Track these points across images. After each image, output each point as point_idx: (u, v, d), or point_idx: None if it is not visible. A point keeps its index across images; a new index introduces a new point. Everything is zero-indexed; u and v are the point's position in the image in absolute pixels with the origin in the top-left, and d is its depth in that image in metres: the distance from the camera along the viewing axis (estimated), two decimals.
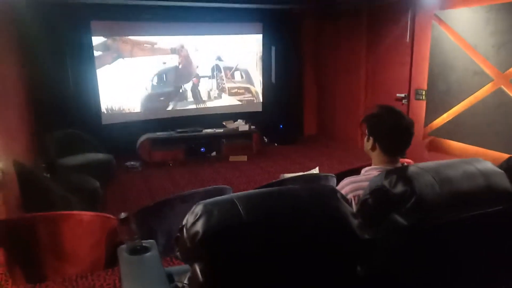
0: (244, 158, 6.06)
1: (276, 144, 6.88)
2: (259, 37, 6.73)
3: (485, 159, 1.59)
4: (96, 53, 5.66)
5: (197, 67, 6.42)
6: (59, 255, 2.64)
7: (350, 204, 1.56)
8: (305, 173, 3.29)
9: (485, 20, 3.98)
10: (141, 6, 5.61)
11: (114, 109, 5.95)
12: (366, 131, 1.64)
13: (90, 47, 5.60)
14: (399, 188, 1.25)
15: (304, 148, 6.71)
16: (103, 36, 5.70)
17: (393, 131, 1.56)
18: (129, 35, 5.88)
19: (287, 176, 3.24)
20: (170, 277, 1.63)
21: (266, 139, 6.74)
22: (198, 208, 1.07)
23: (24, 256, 2.62)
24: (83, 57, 5.57)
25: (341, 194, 1.21)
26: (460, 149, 4.38)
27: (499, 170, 1.42)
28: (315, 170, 3.54)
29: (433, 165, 1.37)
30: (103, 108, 5.85)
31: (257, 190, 1.19)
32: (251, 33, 6.68)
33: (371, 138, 1.62)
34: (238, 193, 1.17)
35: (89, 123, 5.55)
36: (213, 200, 1.11)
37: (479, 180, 1.34)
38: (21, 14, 4.62)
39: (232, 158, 6.05)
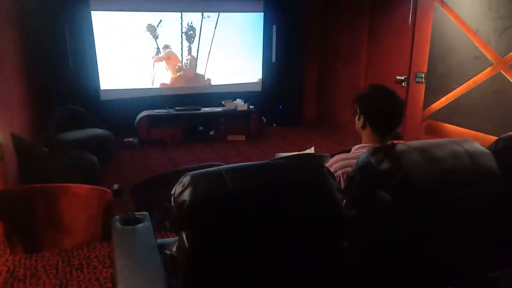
0: (242, 137, 6.08)
1: (274, 125, 6.89)
2: (260, 15, 6.65)
3: (481, 144, 1.61)
4: (96, 29, 5.61)
5: (196, 44, 6.37)
6: (56, 226, 2.70)
7: (339, 181, 1.59)
8: (300, 152, 3.31)
9: (488, 4, 3.93)
10: None
11: (113, 85, 5.93)
12: (358, 110, 1.66)
13: (90, 22, 5.55)
14: (385, 165, 1.27)
15: (302, 130, 6.72)
16: (103, 10, 5.64)
17: (383, 110, 1.57)
18: (129, 10, 5.81)
19: (282, 155, 3.26)
20: (162, 248, 1.67)
21: (264, 120, 6.73)
22: (185, 179, 1.10)
23: (22, 227, 2.67)
24: (82, 32, 5.53)
25: (327, 169, 1.23)
26: (458, 133, 4.39)
27: (486, 150, 1.44)
28: (311, 150, 3.54)
29: (421, 144, 1.39)
30: (102, 84, 5.83)
31: (244, 163, 1.21)
32: (252, 11, 6.59)
33: (362, 116, 1.63)
34: (226, 165, 1.19)
35: (88, 99, 5.56)
36: (201, 171, 1.13)
37: (465, 160, 1.36)
38: None
39: (230, 138, 6.07)
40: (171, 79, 6.36)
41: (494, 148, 1.61)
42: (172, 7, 6.08)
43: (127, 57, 5.93)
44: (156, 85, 6.26)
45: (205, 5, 6.27)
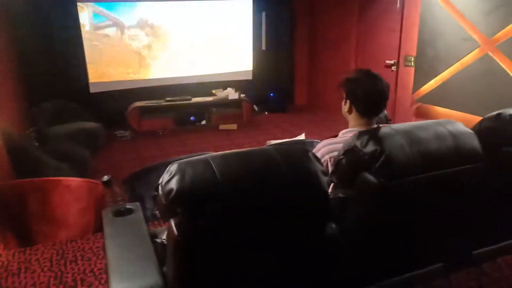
0: (234, 126, 6.09)
1: (266, 113, 6.89)
2: (249, 3, 6.59)
3: (469, 125, 1.63)
4: (83, 21, 5.54)
5: (187, 33, 6.31)
6: (49, 220, 2.71)
7: (326, 165, 1.61)
8: (291, 139, 3.34)
9: None
10: None
11: (102, 77, 5.88)
12: (344, 94, 1.67)
13: (76, 14, 5.46)
14: (370, 147, 1.29)
15: (294, 117, 6.72)
16: (88, 1, 5.55)
17: (368, 94, 1.59)
18: (113, 1, 5.72)
19: (273, 142, 3.29)
20: (154, 237, 1.69)
21: (256, 108, 6.74)
22: (173, 167, 1.11)
23: (15, 221, 2.67)
24: (69, 25, 5.45)
25: (313, 154, 1.25)
26: (447, 115, 4.43)
27: (469, 130, 1.46)
28: (301, 136, 3.58)
29: (406, 126, 1.41)
30: (91, 77, 5.78)
31: (231, 151, 1.22)
32: None
33: (348, 101, 1.65)
34: (214, 153, 1.21)
35: (78, 92, 5.52)
36: (188, 160, 1.14)
37: (448, 141, 1.38)
38: None
39: (222, 127, 6.07)
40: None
41: (478, 128, 1.64)
42: None
43: (116, 49, 5.86)
44: (147, 75, 6.21)
45: None
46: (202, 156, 1.17)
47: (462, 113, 4.23)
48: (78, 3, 5.43)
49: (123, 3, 5.78)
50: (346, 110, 1.67)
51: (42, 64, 5.23)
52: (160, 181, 1.13)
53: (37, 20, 5.12)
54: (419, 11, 4.62)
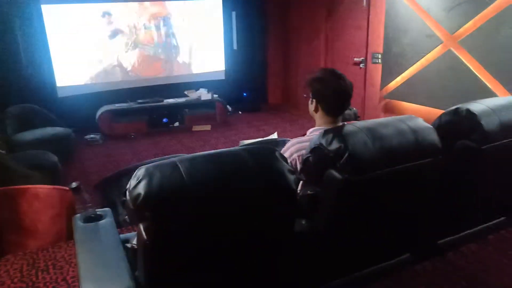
0: (207, 127, 6.08)
1: (240, 113, 6.91)
2: (219, 2, 6.58)
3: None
4: (48, 23, 5.39)
5: (156, 34, 6.25)
6: (19, 229, 2.64)
7: (295, 163, 1.65)
8: (263, 138, 3.37)
9: None
10: None
11: (69, 81, 5.74)
12: (310, 94, 1.71)
13: (40, 16, 5.32)
14: (334, 145, 1.34)
15: (268, 116, 6.77)
16: (53, 3, 5.41)
17: (334, 93, 1.63)
18: (77, 2, 5.58)
19: (245, 142, 3.30)
20: (126, 242, 1.68)
21: (230, 108, 6.74)
22: (140, 172, 1.11)
23: None
24: (33, 28, 5.30)
25: (280, 154, 1.28)
26: (414, 110, 4.57)
27: (429, 126, 1.53)
28: (274, 135, 3.61)
29: (368, 124, 1.46)
30: (58, 81, 5.63)
31: (200, 153, 1.24)
32: None
33: (314, 100, 1.69)
34: (182, 156, 1.22)
35: (45, 97, 5.37)
36: (155, 164, 1.15)
37: (409, 136, 1.44)
38: None
39: (195, 128, 6.05)
40: (134, 62, 6.22)
41: (438, 123, 1.71)
42: None
43: (82, 51, 5.74)
44: (118, 75, 6.11)
45: None
46: (170, 159, 1.18)
47: (428, 108, 4.38)
48: (42, 5, 5.29)
49: (87, 3, 5.65)
50: (313, 109, 1.71)
51: (7, 68, 5.06)
52: (127, 187, 1.13)
53: (1, 23, 4.94)
54: (384, 9, 4.75)
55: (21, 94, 5.06)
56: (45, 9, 5.34)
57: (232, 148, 1.32)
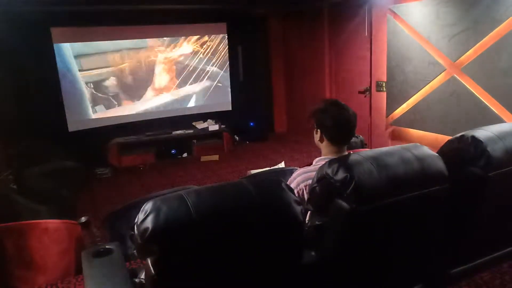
0: (215, 157, 6.11)
1: (247, 142, 6.96)
2: (225, 37, 6.78)
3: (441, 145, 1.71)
4: (60, 60, 5.57)
5: (163, 70, 6.41)
6: (28, 264, 2.63)
7: (302, 193, 1.65)
8: (270, 168, 3.38)
9: (436, 13, 4.17)
10: (101, 10, 5.56)
11: (80, 116, 5.87)
12: (315, 124, 1.74)
13: (52, 54, 5.51)
14: (340, 175, 1.34)
15: (275, 145, 6.81)
16: (64, 42, 5.61)
17: (337, 123, 1.66)
18: (91, 41, 5.80)
19: (253, 172, 3.32)
20: (134, 276, 1.67)
21: (237, 138, 6.80)
22: (147, 206, 1.13)
23: None
24: (45, 65, 5.48)
25: (286, 184, 1.29)
26: (420, 137, 4.58)
27: (434, 153, 1.53)
28: (281, 165, 3.64)
29: (373, 153, 1.47)
30: (69, 116, 5.76)
31: (207, 186, 1.25)
32: (216, 33, 6.71)
33: (319, 130, 1.71)
34: (189, 189, 1.23)
35: (56, 131, 5.47)
36: (163, 197, 1.16)
37: (414, 165, 1.45)
38: None
39: (203, 158, 6.08)
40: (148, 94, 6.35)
41: (443, 151, 1.72)
42: (135, 35, 6.12)
43: (94, 86, 5.90)
44: (126, 111, 6.23)
45: (170, 30, 6.34)
46: (177, 192, 1.19)
47: (434, 134, 4.38)
48: (54, 44, 5.48)
49: (99, 42, 5.86)
50: (318, 139, 1.73)
51: (17, 104, 5.19)
52: (135, 221, 1.14)
53: (12, 60, 5.11)
54: (386, 38, 4.84)
55: (32, 128, 5.17)
56: (58, 47, 5.52)
57: (238, 181, 1.34)
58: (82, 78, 5.80)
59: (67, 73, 5.67)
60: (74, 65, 5.71)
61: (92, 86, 5.90)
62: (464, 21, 3.91)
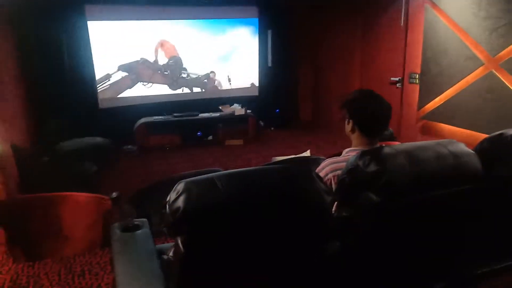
0: (240, 142, 6.14)
1: (272, 128, 6.94)
2: (255, 21, 6.72)
3: (474, 142, 1.66)
4: (93, 38, 5.68)
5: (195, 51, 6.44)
6: (57, 234, 2.75)
7: (330, 183, 1.65)
8: (296, 156, 3.37)
9: (477, 4, 3.99)
10: None
11: (111, 93, 5.99)
12: (347, 115, 1.72)
13: (86, 32, 5.61)
14: (372, 167, 1.32)
15: (299, 133, 6.77)
16: (99, 20, 5.70)
17: (370, 115, 1.63)
18: (123, 19, 5.87)
19: (278, 159, 3.32)
20: (161, 253, 1.72)
21: (262, 123, 6.79)
22: (180, 186, 1.15)
23: (23, 235, 2.72)
24: (79, 42, 5.59)
25: (316, 174, 1.29)
26: (452, 132, 4.45)
27: (470, 151, 1.49)
28: (307, 153, 3.62)
29: (407, 147, 1.44)
30: (100, 93, 5.89)
31: (237, 170, 1.26)
32: (247, 17, 6.66)
33: (350, 121, 1.69)
34: (219, 172, 1.24)
35: (87, 108, 5.61)
36: (194, 179, 1.18)
37: (449, 161, 1.41)
38: (14, 5, 4.63)
39: (228, 142, 6.12)
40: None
41: (480, 149, 1.66)
42: (168, 15, 6.15)
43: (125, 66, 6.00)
44: (154, 91, 6.32)
45: (201, 11, 6.34)
46: (208, 175, 1.20)
47: (467, 131, 4.25)
48: (88, 21, 5.58)
49: (133, 21, 5.92)
50: (349, 129, 1.71)
51: (51, 80, 5.33)
52: (167, 199, 1.16)
53: (47, 37, 5.23)
54: (423, 29, 4.69)
55: (64, 105, 5.31)
56: (91, 25, 5.62)
57: (268, 167, 1.34)
58: (115, 56, 5.89)
59: (101, 50, 5.76)
60: (107, 43, 5.80)
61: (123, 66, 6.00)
62: (508, 14, 3.73)
